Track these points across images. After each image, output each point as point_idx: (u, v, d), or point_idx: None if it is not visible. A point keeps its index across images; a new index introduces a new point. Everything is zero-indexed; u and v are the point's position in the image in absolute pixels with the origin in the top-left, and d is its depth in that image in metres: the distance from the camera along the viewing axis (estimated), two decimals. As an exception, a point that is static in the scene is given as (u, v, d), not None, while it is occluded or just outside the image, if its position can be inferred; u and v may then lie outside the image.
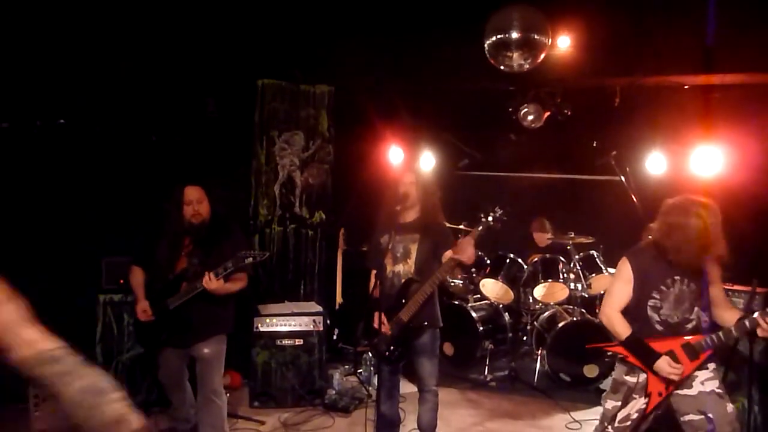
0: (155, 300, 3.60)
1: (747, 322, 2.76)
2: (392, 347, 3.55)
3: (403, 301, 3.54)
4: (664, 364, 2.81)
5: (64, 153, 4.61)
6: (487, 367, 5.42)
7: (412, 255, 3.67)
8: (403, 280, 3.63)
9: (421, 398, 3.75)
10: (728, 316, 2.90)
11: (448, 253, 3.64)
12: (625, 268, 2.97)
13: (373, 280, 3.82)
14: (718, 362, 2.99)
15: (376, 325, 3.54)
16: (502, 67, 4.11)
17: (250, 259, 3.31)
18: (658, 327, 2.91)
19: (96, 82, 4.60)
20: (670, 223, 2.85)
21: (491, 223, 3.39)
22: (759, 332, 2.74)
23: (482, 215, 3.42)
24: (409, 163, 5.50)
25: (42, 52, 4.27)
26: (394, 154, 5.72)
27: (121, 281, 4.47)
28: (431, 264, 3.64)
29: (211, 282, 3.33)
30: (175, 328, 3.55)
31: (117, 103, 4.75)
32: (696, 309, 2.89)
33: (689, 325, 2.90)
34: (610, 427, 2.98)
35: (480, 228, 3.40)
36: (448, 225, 4.41)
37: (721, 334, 2.81)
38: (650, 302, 2.91)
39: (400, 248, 3.68)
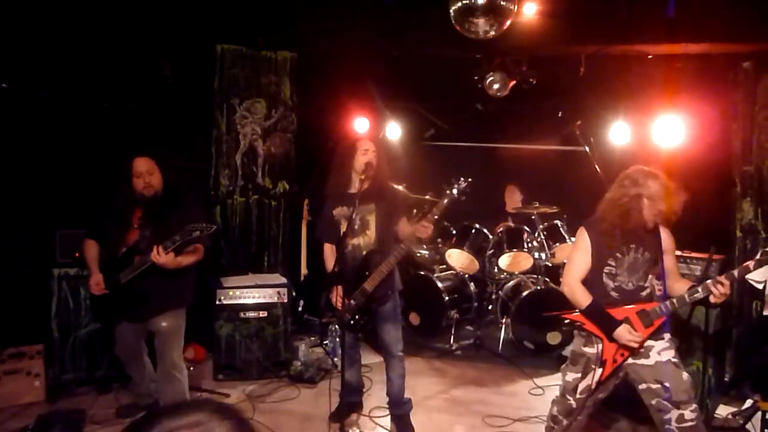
0: (108, 274, 3.50)
1: (700, 290, 2.82)
2: (357, 316, 3.56)
3: (367, 273, 3.52)
4: (623, 332, 2.86)
5: (7, 120, 4.37)
6: (452, 336, 5.46)
7: (370, 226, 3.63)
8: (363, 252, 3.60)
9: (389, 365, 3.77)
10: (679, 286, 2.97)
11: (404, 224, 3.62)
12: (583, 237, 3.03)
13: (326, 252, 3.78)
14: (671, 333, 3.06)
15: (333, 299, 3.50)
16: (467, 34, 4.03)
17: (198, 232, 3.20)
18: (614, 294, 2.96)
19: (41, 42, 4.34)
20: (615, 194, 2.97)
21: (455, 195, 3.34)
22: (711, 299, 2.81)
23: (446, 188, 3.36)
24: (370, 130, 5.44)
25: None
26: (359, 123, 5.63)
27: (77, 254, 4.33)
28: (390, 232, 3.63)
29: (160, 256, 3.23)
30: (129, 303, 3.47)
31: (64, 66, 4.50)
32: (650, 277, 2.95)
33: (644, 293, 2.95)
34: (571, 398, 3.03)
35: (445, 201, 3.34)
36: (413, 195, 4.39)
37: (675, 300, 2.88)
38: (606, 269, 2.97)
39: (357, 220, 3.61)
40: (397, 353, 3.74)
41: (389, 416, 4.00)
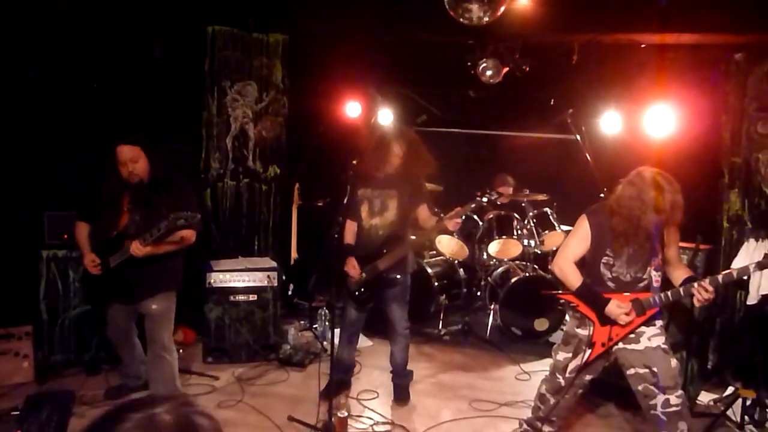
0: (99, 257, 3.51)
1: (682, 291, 2.88)
2: (363, 289, 3.76)
3: (384, 251, 3.70)
4: (613, 307, 2.92)
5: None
6: (441, 322, 5.51)
7: (390, 209, 3.82)
8: (380, 232, 3.79)
9: (393, 339, 3.99)
10: (677, 275, 3.00)
11: (424, 210, 3.80)
12: (583, 225, 3.05)
13: (346, 228, 3.93)
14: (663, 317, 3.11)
15: (347, 269, 3.73)
16: (461, 20, 4.02)
17: (182, 221, 3.18)
18: (610, 284, 2.99)
19: (28, 21, 4.27)
20: (625, 193, 2.90)
21: (484, 203, 3.61)
22: (694, 301, 2.86)
23: (478, 194, 3.60)
24: (362, 115, 5.46)
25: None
26: (350, 108, 5.60)
27: (65, 236, 4.31)
28: (409, 217, 3.84)
29: (139, 250, 3.23)
30: (120, 285, 3.47)
31: (53, 46, 4.44)
32: (649, 269, 2.97)
33: (641, 284, 2.99)
34: (561, 377, 3.09)
35: (473, 205, 3.58)
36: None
37: (669, 293, 2.91)
38: (603, 259, 3.00)
39: (378, 202, 3.82)
40: (402, 330, 3.92)
41: (376, 399, 4.07)
